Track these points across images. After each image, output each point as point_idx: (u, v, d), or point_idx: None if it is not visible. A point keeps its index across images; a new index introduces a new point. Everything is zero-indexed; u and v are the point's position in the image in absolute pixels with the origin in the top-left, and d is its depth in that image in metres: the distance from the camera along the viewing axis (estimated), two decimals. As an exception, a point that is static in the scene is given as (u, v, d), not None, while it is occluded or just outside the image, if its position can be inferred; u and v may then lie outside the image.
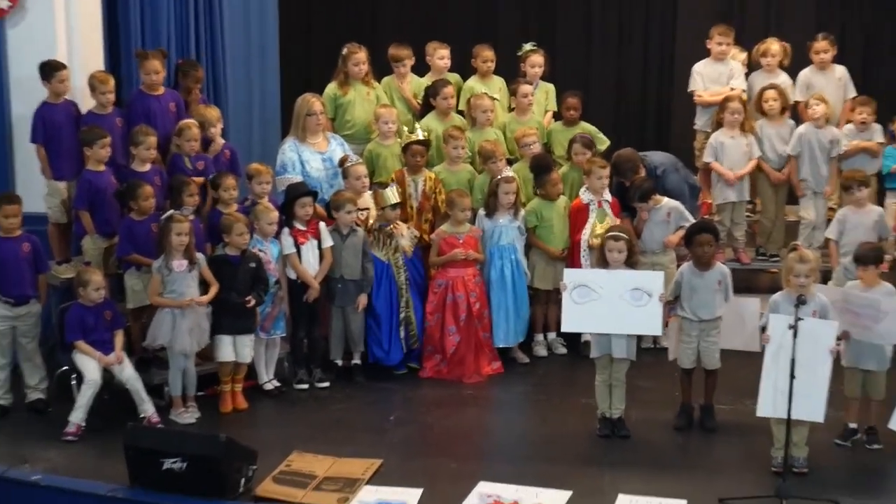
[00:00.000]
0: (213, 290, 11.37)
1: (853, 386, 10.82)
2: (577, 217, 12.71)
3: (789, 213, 14.46)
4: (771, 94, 13.95)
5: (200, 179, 12.26)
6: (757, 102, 14.09)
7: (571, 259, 12.60)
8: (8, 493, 10.09)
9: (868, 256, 10.82)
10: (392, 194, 12.24)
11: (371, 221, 12.48)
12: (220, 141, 12.95)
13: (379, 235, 12.32)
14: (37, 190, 12.57)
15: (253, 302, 11.51)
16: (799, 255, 10.53)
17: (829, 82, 14.44)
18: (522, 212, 12.73)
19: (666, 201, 12.67)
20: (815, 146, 13.81)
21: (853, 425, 10.90)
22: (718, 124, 14.05)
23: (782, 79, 14.43)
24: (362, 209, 12.40)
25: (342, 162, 12.72)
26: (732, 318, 11.14)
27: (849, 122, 14.10)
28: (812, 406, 9.92)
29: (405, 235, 12.41)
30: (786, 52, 14.62)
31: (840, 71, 14.58)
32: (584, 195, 12.73)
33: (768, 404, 10.04)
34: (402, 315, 12.36)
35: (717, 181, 14.04)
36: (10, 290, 11.29)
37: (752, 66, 14.87)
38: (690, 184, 13.73)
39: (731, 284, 11.22)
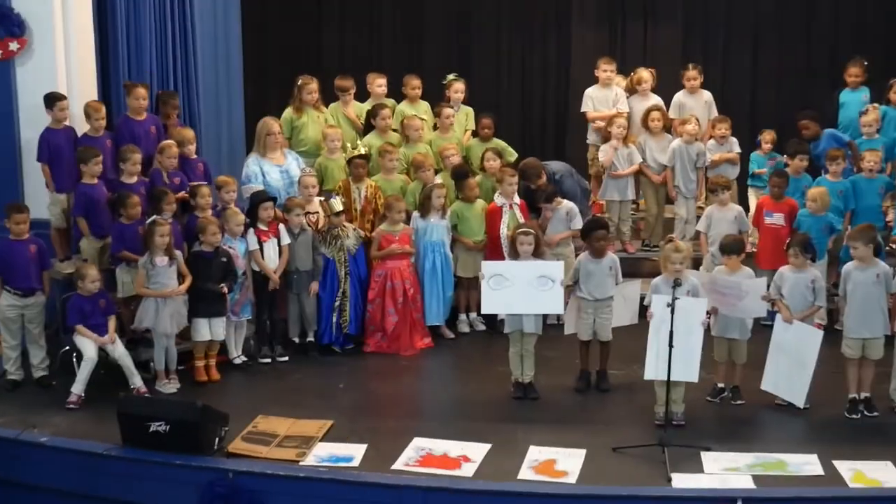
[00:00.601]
0: (188, 281, 11.31)
1: (721, 352, 10.92)
2: (493, 217, 12.67)
3: (667, 211, 14.47)
4: (656, 114, 14.07)
5: (182, 194, 12.13)
6: (643, 120, 14.14)
7: (493, 252, 12.50)
8: (20, 453, 10.00)
9: (731, 246, 10.96)
10: (337, 203, 12.19)
11: (321, 224, 12.35)
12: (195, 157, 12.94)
13: (327, 236, 12.21)
14: (41, 200, 12.47)
15: (225, 289, 11.42)
16: (675, 246, 10.66)
17: (697, 104, 14.52)
18: (448, 212, 12.66)
19: (565, 203, 12.69)
20: (685, 159, 13.89)
21: (721, 385, 10.97)
22: (606, 138, 14.03)
23: (656, 100, 14.47)
24: (312, 213, 12.32)
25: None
26: (620, 302, 11.19)
27: (711, 137, 14.10)
28: (687, 369, 10.01)
29: (350, 236, 12.30)
30: (653, 77, 14.66)
31: (706, 95, 14.69)
32: (498, 199, 12.71)
33: (652, 369, 10.11)
34: (338, 303, 12.24)
35: (606, 184, 14.04)
36: (19, 284, 11.15)
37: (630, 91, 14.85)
38: (583, 187, 13.78)
39: (620, 270, 11.28)
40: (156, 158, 12.45)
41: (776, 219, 12.33)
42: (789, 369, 10.56)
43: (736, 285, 10.58)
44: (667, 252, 10.63)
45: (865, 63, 14.50)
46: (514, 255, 11.16)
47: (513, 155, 13.71)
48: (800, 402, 10.55)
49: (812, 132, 13.78)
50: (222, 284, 11.39)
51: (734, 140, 14.11)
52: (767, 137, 14.13)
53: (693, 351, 9.98)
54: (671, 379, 9.96)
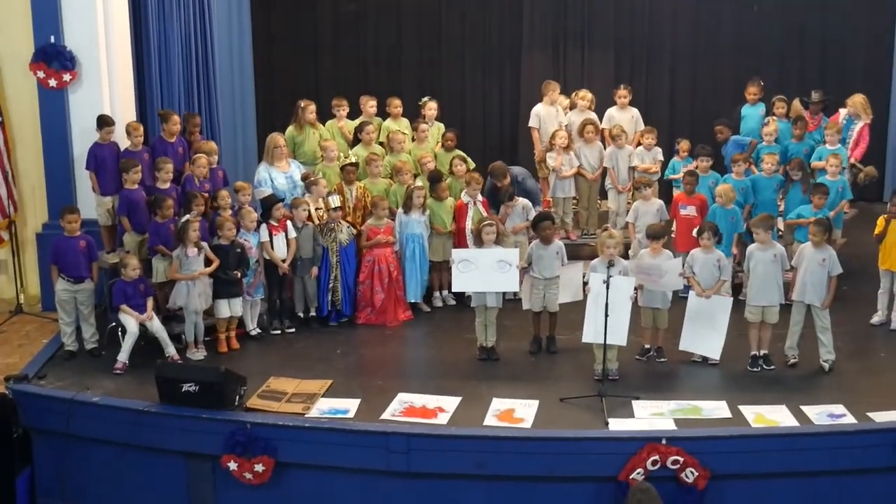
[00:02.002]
0: (214, 264, 11.23)
1: (646, 319, 10.97)
2: (461, 212, 12.62)
3: (602, 205, 14.46)
4: (590, 127, 13.97)
5: (206, 195, 12.08)
6: (579, 131, 14.04)
7: (459, 241, 12.47)
8: (77, 410, 9.97)
9: (657, 233, 10.97)
10: (334, 201, 12.11)
11: (323, 217, 12.28)
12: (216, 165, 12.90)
13: (324, 229, 12.14)
14: (91, 203, 12.41)
15: (239, 275, 11.37)
16: (609, 234, 10.72)
17: (625, 117, 14.41)
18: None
19: (521, 200, 12.66)
20: (618, 161, 13.91)
21: (647, 346, 11.01)
22: (550, 148, 14.00)
23: (592, 115, 14.38)
24: (318, 208, 12.25)
25: (304, 177, 12.67)
26: (566, 281, 11.16)
27: (639, 144, 14.07)
28: (619, 334, 10.05)
29: (344, 231, 12.21)
30: (593, 100, 14.60)
31: (634, 111, 14.56)
32: (465, 197, 12.64)
33: (591, 334, 10.17)
34: (331, 285, 12.17)
35: (554, 184, 13.97)
36: (70, 272, 11.09)
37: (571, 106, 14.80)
38: (539, 187, 13.76)
39: (565, 253, 11.28)
40: (188, 168, 12.44)
41: (689, 210, 12.31)
42: (705, 331, 10.64)
43: (658, 266, 10.61)
44: (603, 239, 10.65)
45: (762, 83, 14.58)
46: (479, 243, 11.15)
47: (471, 164, 13.57)
48: (716, 355, 10.67)
49: (724, 136, 13.89)
50: (236, 271, 11.32)
51: (658, 149, 14.01)
52: (684, 146, 14.07)
53: (623, 319, 10.03)
54: (606, 342, 10.04)
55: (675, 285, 10.76)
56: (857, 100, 14.15)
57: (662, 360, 10.92)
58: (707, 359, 10.75)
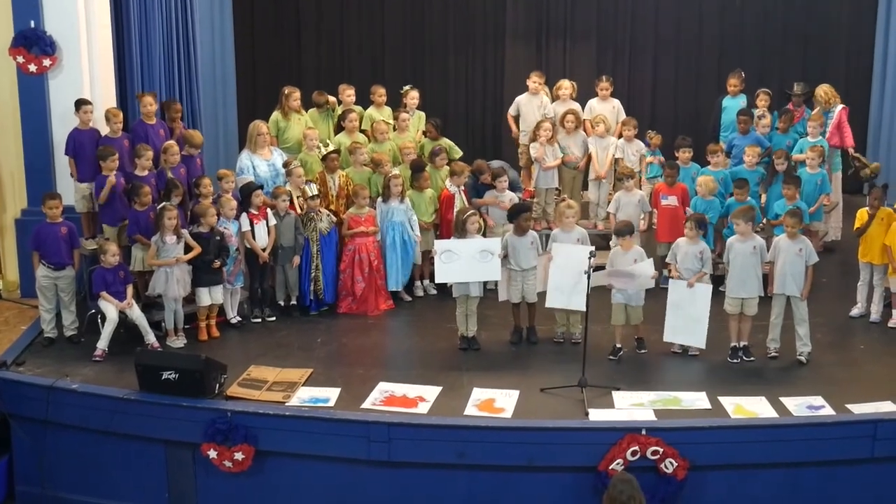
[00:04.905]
0: (195, 251, 11.20)
1: (617, 317, 10.91)
2: (448, 202, 12.62)
3: (584, 196, 14.42)
4: (571, 117, 13.90)
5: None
6: (560, 121, 14.00)
7: (447, 232, 12.42)
8: (56, 396, 9.96)
9: (623, 230, 11.00)
10: (311, 189, 12.12)
11: (303, 206, 12.28)
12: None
13: (304, 218, 12.13)
14: (71, 189, 12.32)
15: (218, 264, 11.34)
16: (567, 204, 11.27)
17: (606, 108, 14.37)
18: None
19: (509, 193, 12.67)
20: (598, 149, 13.86)
21: (619, 345, 10.92)
22: (534, 138, 13.97)
23: (574, 106, 14.30)
24: (298, 196, 12.22)
25: (286, 164, 12.60)
26: (541, 272, 11.14)
27: (620, 136, 14.03)
28: (580, 299, 10.31)
29: (324, 220, 12.20)
30: (573, 88, 14.54)
31: (615, 101, 14.54)
32: (451, 187, 12.67)
33: (555, 298, 10.81)
34: (313, 275, 12.16)
35: (536, 175, 13.92)
36: (51, 259, 11.06)
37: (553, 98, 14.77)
38: (518, 177, 13.83)
39: (540, 243, 11.34)
40: (161, 156, 12.36)
41: (671, 200, 12.39)
42: (687, 321, 10.65)
43: (629, 272, 10.54)
44: (561, 209, 11.04)
45: (743, 75, 14.63)
46: (463, 233, 11.13)
47: (458, 153, 13.62)
48: (701, 343, 10.70)
49: (745, 128, 13.73)
50: (216, 260, 11.29)
51: (639, 141, 13.96)
52: (656, 140, 14.08)
53: (582, 286, 10.16)
54: (571, 308, 10.75)
55: (647, 285, 10.73)
56: (822, 90, 14.18)
57: (643, 350, 10.95)
58: (687, 349, 10.80)
